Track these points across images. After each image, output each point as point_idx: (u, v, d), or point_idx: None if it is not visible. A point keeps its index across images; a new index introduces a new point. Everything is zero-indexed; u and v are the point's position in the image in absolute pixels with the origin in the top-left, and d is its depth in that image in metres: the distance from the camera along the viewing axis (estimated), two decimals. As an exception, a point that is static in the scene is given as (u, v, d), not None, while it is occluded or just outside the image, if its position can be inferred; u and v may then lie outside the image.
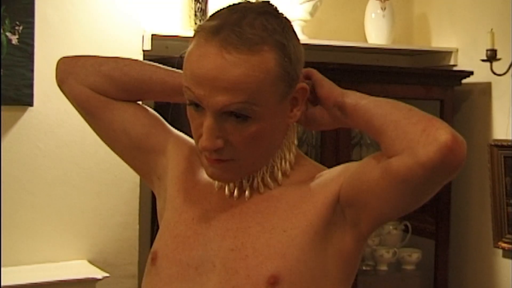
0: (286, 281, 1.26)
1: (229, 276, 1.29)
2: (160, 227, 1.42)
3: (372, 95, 1.32)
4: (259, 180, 1.35)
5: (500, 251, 3.27)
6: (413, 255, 3.48)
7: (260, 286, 1.26)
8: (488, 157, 3.24)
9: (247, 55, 1.22)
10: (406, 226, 3.52)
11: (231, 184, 1.36)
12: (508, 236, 3.19)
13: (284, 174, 1.36)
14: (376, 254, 3.43)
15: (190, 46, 1.27)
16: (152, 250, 1.38)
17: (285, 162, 1.36)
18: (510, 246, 3.19)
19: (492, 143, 3.23)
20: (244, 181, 1.35)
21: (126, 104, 1.48)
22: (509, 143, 3.16)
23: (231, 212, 1.35)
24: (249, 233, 1.31)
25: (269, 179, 1.34)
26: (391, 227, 3.52)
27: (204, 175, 1.37)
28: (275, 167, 1.35)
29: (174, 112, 2.88)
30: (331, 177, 1.33)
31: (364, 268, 3.41)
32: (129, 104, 1.48)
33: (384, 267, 3.44)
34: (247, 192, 1.35)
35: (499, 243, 3.24)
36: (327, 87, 1.35)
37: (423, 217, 3.56)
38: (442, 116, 3.35)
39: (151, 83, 1.47)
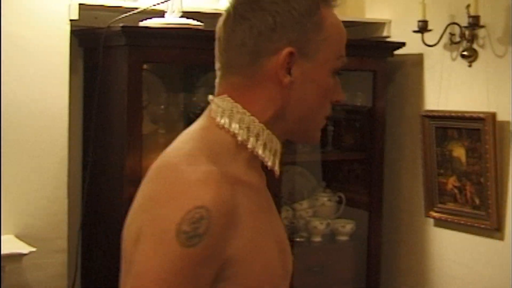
0: None
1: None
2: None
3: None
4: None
5: (432, 221, 3.31)
6: (347, 226, 3.50)
7: None
8: (419, 127, 3.26)
9: None
10: (340, 197, 3.54)
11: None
12: (439, 205, 3.23)
13: None
14: (309, 225, 3.44)
15: (327, 16, 1.26)
16: None
17: None
18: (441, 215, 3.23)
19: (424, 114, 3.25)
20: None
21: None
22: (440, 114, 3.19)
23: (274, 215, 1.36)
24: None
25: None
26: (325, 198, 3.53)
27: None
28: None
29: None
30: None
31: (298, 239, 3.41)
32: None
33: (318, 238, 3.45)
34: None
35: (430, 212, 3.27)
36: None
37: (357, 188, 3.59)
38: (375, 87, 3.37)
39: None
